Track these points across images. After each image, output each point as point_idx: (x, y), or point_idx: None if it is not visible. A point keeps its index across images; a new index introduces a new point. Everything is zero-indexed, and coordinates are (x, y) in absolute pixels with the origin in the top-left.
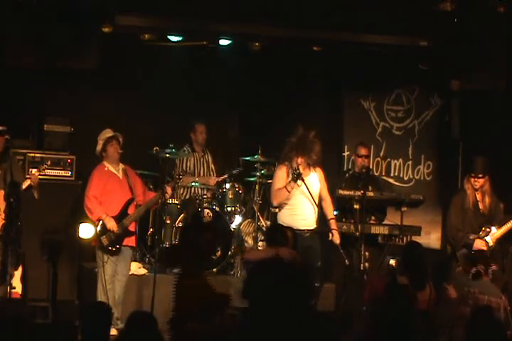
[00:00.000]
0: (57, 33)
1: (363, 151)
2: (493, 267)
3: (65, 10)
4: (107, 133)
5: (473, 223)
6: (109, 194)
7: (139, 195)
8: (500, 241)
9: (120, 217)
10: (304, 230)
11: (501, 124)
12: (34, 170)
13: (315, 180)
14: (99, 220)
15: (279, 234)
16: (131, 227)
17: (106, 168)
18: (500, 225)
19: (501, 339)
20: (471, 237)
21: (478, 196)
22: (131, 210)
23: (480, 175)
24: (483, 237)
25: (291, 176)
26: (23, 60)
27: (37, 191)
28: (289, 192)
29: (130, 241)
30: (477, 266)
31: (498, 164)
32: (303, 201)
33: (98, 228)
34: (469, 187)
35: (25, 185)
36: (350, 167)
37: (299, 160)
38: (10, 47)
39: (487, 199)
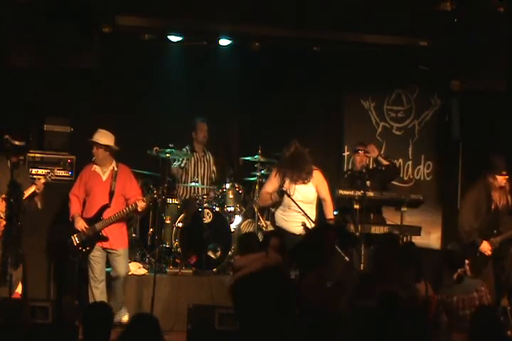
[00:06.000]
0: (57, 32)
1: (360, 147)
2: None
3: (65, 10)
4: (96, 135)
5: (486, 220)
6: (90, 194)
7: (129, 197)
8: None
9: (93, 221)
10: (299, 235)
11: (501, 124)
12: (41, 177)
13: (309, 187)
14: (72, 219)
15: (250, 242)
16: (113, 230)
17: (93, 168)
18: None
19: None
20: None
21: (497, 194)
22: (106, 215)
23: (504, 172)
24: (492, 239)
25: (277, 190)
26: (23, 60)
27: (41, 200)
28: (271, 200)
29: (119, 244)
30: (457, 270)
31: None
32: (297, 208)
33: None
34: (494, 184)
35: (28, 192)
36: (350, 167)
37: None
38: (10, 47)
39: (508, 198)
